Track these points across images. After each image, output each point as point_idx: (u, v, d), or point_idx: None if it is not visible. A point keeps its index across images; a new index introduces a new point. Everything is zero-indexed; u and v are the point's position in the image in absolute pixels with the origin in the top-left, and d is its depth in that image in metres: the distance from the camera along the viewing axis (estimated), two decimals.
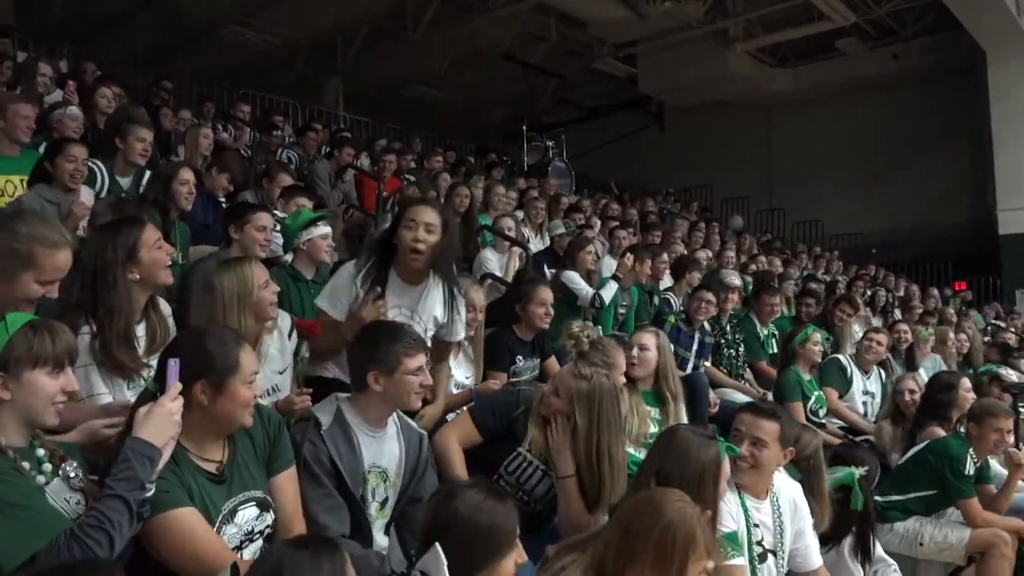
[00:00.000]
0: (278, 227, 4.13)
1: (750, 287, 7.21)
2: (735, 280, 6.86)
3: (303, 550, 1.56)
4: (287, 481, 2.20)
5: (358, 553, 2.12)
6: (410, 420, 2.68)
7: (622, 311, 5.90)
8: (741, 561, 2.60)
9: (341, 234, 6.06)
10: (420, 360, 2.47)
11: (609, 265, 6.31)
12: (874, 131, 16.58)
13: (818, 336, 5.35)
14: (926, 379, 5.73)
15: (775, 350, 6.21)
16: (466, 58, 15.49)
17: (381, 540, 2.44)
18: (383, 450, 2.49)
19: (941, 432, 4.42)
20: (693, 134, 17.93)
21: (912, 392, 4.99)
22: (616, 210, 9.86)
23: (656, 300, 6.37)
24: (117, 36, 12.35)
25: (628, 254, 5.98)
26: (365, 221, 6.73)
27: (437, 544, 1.75)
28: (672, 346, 4.53)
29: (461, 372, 3.76)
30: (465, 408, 3.15)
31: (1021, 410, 4.90)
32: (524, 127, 13.17)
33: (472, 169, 9.98)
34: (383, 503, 2.49)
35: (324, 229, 3.98)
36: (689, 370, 5.34)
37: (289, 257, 4.08)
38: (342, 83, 14.80)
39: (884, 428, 4.99)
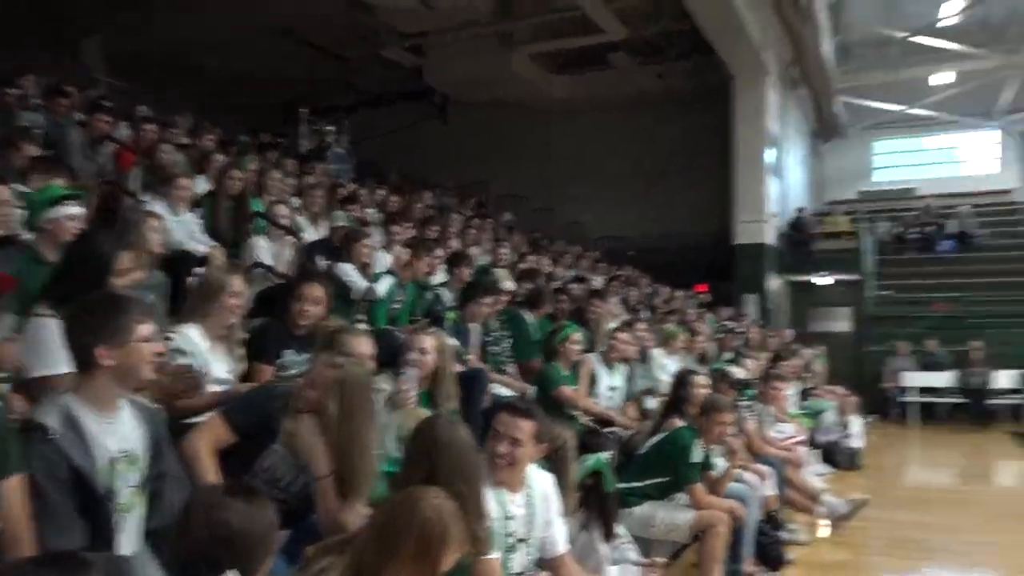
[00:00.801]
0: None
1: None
2: (509, 285, 7.16)
3: (49, 568, 1.42)
4: (14, 489, 2.02)
5: None
6: (136, 396, 2.52)
7: (396, 306, 5.93)
8: (496, 555, 2.75)
9: (95, 209, 5.58)
10: (152, 326, 2.33)
11: (383, 258, 6.31)
12: (643, 144, 18.04)
13: (578, 336, 5.68)
14: (660, 373, 6.35)
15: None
16: (247, 31, 14.69)
17: (125, 540, 2.28)
18: (125, 433, 2.30)
19: (681, 424, 4.92)
20: (476, 129, 18.30)
21: None
22: (396, 202, 9.84)
23: (428, 295, 6.47)
24: None
25: (406, 249, 6.02)
26: (118, 195, 6.21)
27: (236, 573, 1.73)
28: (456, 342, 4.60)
29: (222, 367, 3.57)
30: (216, 410, 3.01)
31: (741, 404, 5.56)
32: (303, 109, 12.72)
33: (244, 149, 9.51)
34: (138, 487, 2.33)
35: (73, 210, 3.63)
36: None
37: (31, 236, 3.70)
38: (103, 42, 13.47)
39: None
